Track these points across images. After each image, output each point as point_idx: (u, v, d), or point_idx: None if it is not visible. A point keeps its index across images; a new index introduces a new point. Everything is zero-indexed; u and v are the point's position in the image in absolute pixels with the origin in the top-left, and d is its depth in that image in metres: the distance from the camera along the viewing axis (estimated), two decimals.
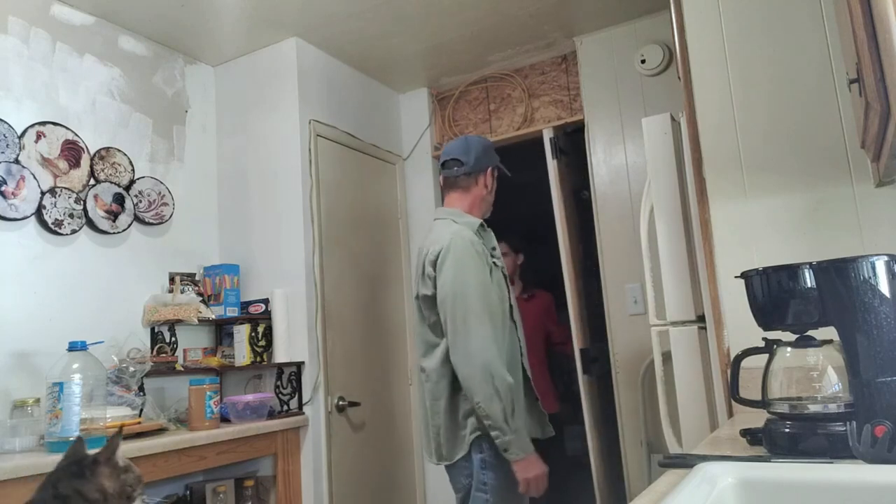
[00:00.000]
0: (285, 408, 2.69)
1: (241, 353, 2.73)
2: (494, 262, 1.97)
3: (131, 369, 2.34)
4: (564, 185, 3.10)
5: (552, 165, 3.05)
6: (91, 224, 2.47)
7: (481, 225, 2.03)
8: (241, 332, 2.74)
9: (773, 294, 1.08)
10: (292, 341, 2.74)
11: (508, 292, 2.00)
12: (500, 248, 3.36)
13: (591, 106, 3.09)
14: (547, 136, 3.08)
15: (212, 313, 2.75)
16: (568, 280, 2.97)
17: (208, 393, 2.34)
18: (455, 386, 1.85)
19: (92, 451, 1.25)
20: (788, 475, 0.89)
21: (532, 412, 1.95)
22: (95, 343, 2.16)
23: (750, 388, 1.20)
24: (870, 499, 0.82)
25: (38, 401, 2.09)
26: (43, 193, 2.33)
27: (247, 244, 2.93)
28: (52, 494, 1.15)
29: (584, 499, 3.05)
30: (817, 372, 1.06)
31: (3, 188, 2.21)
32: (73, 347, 2.02)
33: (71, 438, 1.90)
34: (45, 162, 2.37)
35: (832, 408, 1.02)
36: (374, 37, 2.97)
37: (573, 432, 3.46)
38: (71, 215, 2.41)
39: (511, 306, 1.98)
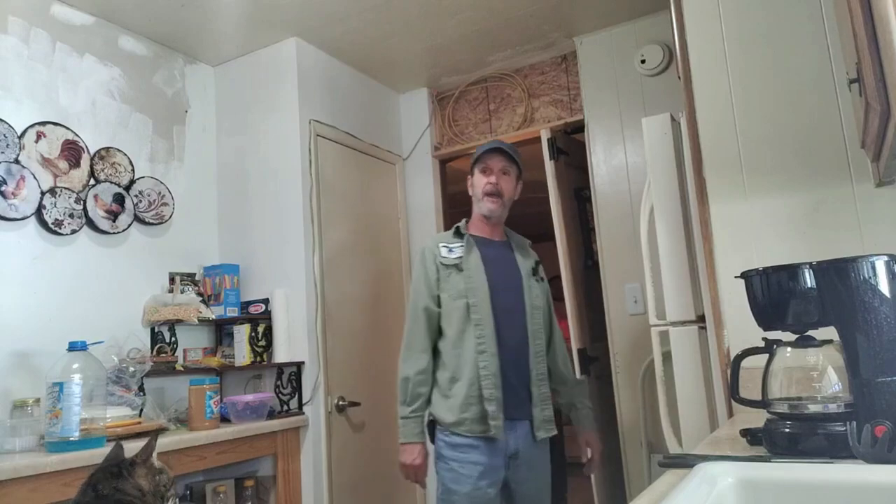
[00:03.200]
0: (285, 408, 2.69)
1: (241, 353, 2.73)
2: (443, 264, 2.06)
3: (131, 369, 2.34)
4: (563, 184, 3.10)
5: (550, 166, 3.05)
6: (91, 224, 2.47)
7: (456, 231, 2.14)
8: (241, 332, 2.74)
9: (773, 294, 1.08)
10: (292, 341, 2.74)
11: (470, 292, 2.00)
12: None
13: (591, 106, 3.09)
14: (545, 136, 3.08)
15: (212, 313, 2.75)
16: (566, 280, 2.97)
17: (208, 393, 2.34)
18: None
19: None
20: (788, 475, 0.89)
21: (473, 410, 1.94)
22: (95, 343, 2.16)
23: (750, 388, 1.20)
24: (870, 499, 0.82)
25: (38, 401, 2.09)
26: (43, 193, 2.33)
27: (247, 244, 2.93)
28: (93, 496, 1.18)
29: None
30: (817, 372, 1.06)
31: (3, 188, 2.21)
32: (73, 347, 2.02)
33: (71, 439, 1.90)
34: (45, 162, 2.37)
35: (832, 408, 1.02)
36: (374, 37, 2.97)
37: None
38: (71, 215, 2.41)
39: (469, 305, 1.99)
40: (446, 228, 3.47)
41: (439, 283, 2.03)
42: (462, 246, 2.08)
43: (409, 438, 1.97)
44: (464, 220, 2.17)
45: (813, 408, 1.04)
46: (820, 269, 1.03)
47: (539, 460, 2.04)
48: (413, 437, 1.96)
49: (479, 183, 2.11)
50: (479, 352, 1.95)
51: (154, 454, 1.31)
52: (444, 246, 2.08)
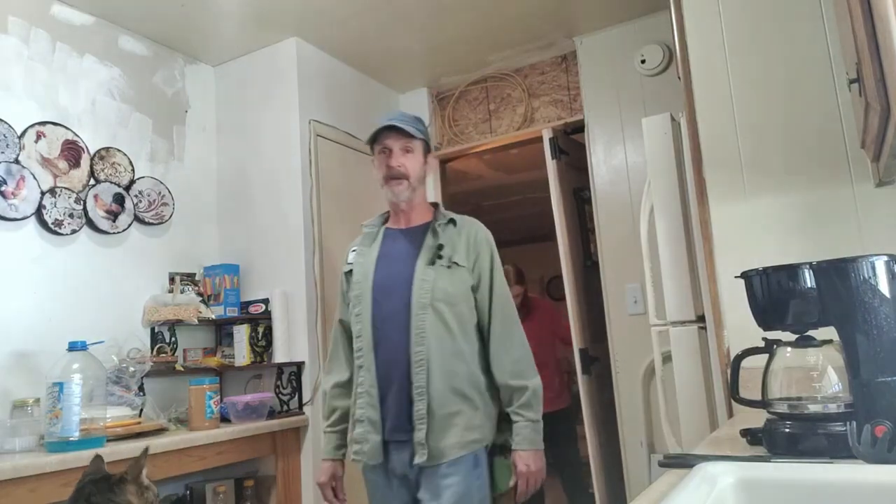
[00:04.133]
0: (285, 408, 2.69)
1: (241, 353, 2.73)
2: (345, 272, 1.85)
3: (131, 369, 2.34)
4: (563, 184, 3.10)
5: (551, 165, 3.05)
6: (91, 224, 2.47)
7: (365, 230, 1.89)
8: (241, 332, 2.74)
9: (773, 294, 1.08)
10: (292, 341, 2.74)
11: (356, 300, 1.77)
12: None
13: (591, 106, 3.09)
14: (546, 136, 3.08)
15: (212, 313, 2.75)
16: (567, 280, 2.97)
17: (208, 393, 2.34)
18: None
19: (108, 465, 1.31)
20: (788, 475, 0.89)
21: (353, 428, 1.75)
22: (95, 343, 2.16)
23: (750, 388, 1.20)
24: (870, 499, 0.82)
25: (38, 401, 2.09)
26: (43, 193, 2.33)
27: (247, 244, 2.93)
28: None
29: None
30: (817, 372, 1.06)
31: (3, 188, 2.21)
32: (73, 347, 2.02)
33: (71, 439, 1.90)
34: (45, 162, 2.37)
35: (832, 408, 1.02)
36: (374, 37, 2.97)
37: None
38: (71, 215, 2.41)
39: (354, 316, 1.76)
40: None
41: (346, 294, 1.83)
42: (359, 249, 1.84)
43: (322, 455, 1.83)
44: (380, 215, 1.91)
45: (813, 408, 1.04)
46: (820, 269, 1.03)
47: (448, 490, 1.61)
48: (323, 454, 1.82)
49: (379, 167, 1.81)
50: (358, 367, 1.73)
51: (143, 471, 1.32)
52: (353, 250, 1.85)
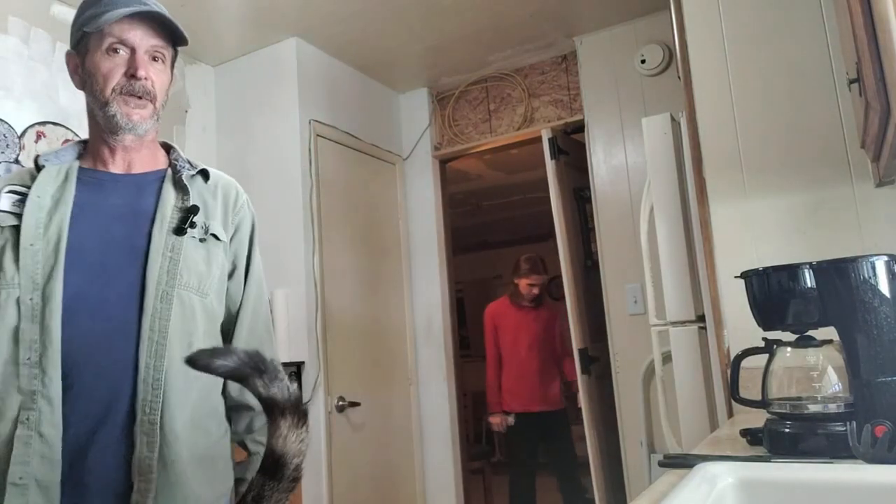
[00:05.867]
0: None
1: None
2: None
3: None
4: (563, 184, 3.10)
5: (551, 165, 3.05)
6: None
7: (37, 164, 1.19)
8: None
9: (773, 294, 1.08)
10: (292, 341, 2.73)
11: (27, 278, 1.05)
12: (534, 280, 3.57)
13: (591, 106, 3.09)
14: (545, 136, 3.08)
15: None
16: (567, 280, 2.97)
17: None
18: None
19: None
20: (788, 475, 0.89)
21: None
22: None
23: (750, 388, 1.20)
24: (870, 499, 0.82)
25: None
26: None
27: None
28: None
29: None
30: (817, 372, 1.07)
31: None
32: None
33: None
34: None
35: (832, 408, 1.02)
36: (374, 37, 2.97)
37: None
38: None
39: (20, 303, 1.04)
40: (446, 229, 3.49)
41: None
42: (26, 192, 1.12)
43: None
44: (71, 144, 1.26)
45: (813, 408, 1.04)
46: (820, 269, 1.03)
47: None
48: None
49: (102, 70, 1.18)
50: (29, 393, 1.01)
51: None
52: (11, 191, 1.13)
